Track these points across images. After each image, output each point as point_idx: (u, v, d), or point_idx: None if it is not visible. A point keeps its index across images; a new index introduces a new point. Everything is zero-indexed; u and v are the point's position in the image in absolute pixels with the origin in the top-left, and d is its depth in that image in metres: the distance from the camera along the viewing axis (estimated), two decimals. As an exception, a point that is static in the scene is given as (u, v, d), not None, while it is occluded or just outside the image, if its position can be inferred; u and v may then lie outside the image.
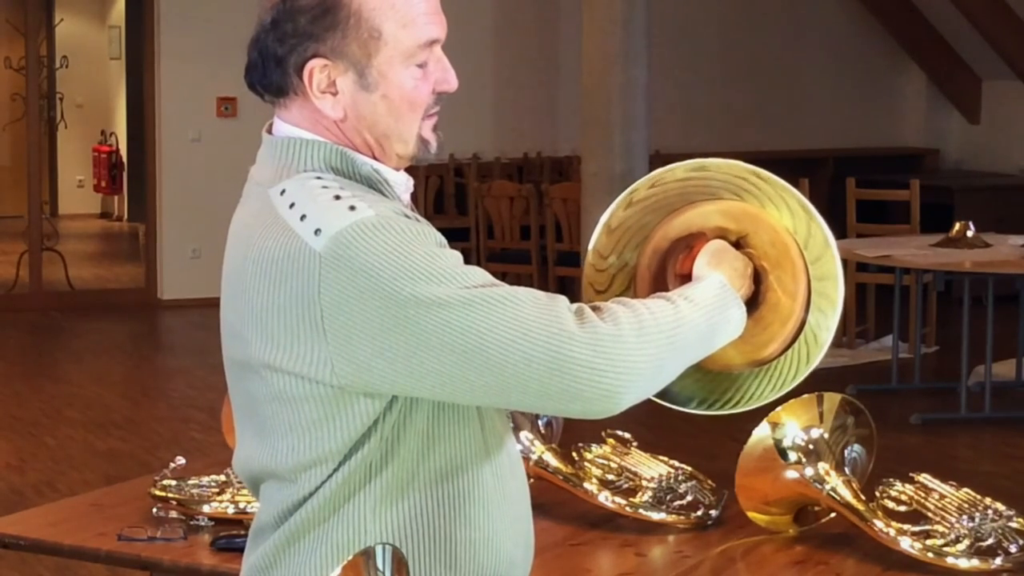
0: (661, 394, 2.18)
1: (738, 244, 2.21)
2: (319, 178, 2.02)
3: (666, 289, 2.19)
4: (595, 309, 1.99)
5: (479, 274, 1.98)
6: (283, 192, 2.02)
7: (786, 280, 2.20)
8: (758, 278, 2.21)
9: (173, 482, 3.18)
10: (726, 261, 2.17)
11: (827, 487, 3.02)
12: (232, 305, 2.07)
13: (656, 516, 3.13)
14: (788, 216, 2.21)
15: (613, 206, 2.29)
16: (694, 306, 2.06)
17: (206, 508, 3.11)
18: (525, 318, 1.93)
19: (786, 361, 2.23)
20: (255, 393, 2.05)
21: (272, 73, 2.06)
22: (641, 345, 1.96)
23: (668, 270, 2.24)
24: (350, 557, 1.79)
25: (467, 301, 1.93)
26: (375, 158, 2.08)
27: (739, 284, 2.16)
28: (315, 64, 2.03)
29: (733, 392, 2.27)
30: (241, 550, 2.22)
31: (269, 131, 2.11)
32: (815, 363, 2.23)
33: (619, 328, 1.96)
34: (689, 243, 2.22)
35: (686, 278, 2.19)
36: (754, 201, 2.23)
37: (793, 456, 3.06)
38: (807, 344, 2.22)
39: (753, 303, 2.20)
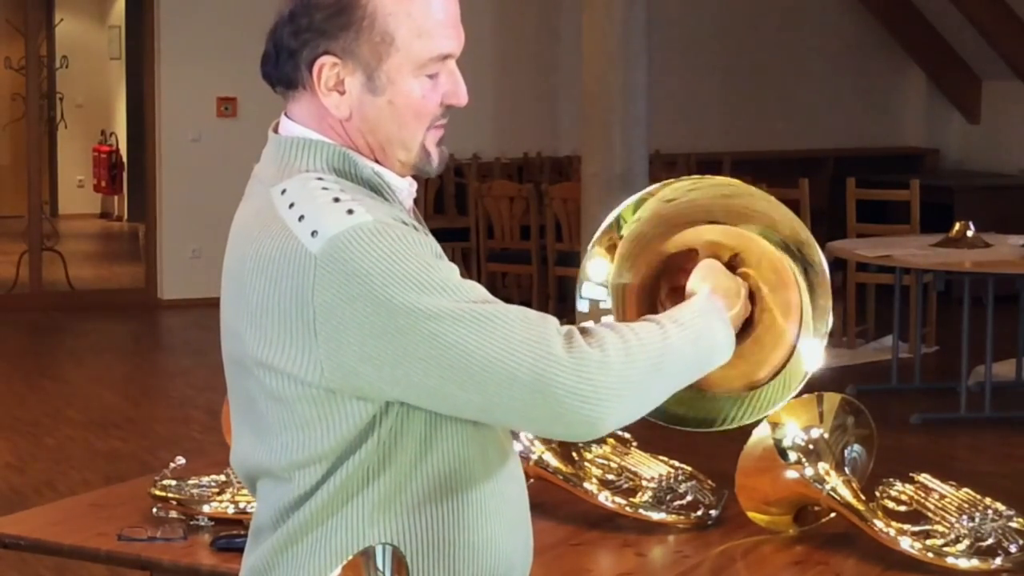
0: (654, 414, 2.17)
1: (733, 263, 2.21)
2: (320, 179, 2.02)
3: (656, 304, 2.19)
4: (584, 332, 1.98)
5: (473, 289, 1.97)
6: (284, 191, 2.02)
7: (781, 300, 2.21)
8: (754, 298, 2.21)
9: (173, 482, 3.18)
10: (714, 280, 2.16)
11: (827, 487, 3.02)
12: (230, 302, 2.07)
13: (656, 516, 3.12)
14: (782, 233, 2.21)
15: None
16: (682, 329, 2.04)
17: (206, 508, 3.11)
18: (513, 338, 1.92)
19: (773, 385, 2.24)
20: (251, 391, 2.05)
21: (284, 65, 2.07)
22: (627, 372, 1.95)
23: (661, 287, 2.24)
24: (350, 557, 1.78)
25: (457, 315, 1.92)
26: (377, 162, 2.08)
27: (731, 303, 2.15)
28: (325, 61, 2.03)
29: (717, 413, 2.27)
30: (241, 550, 2.22)
31: (275, 130, 2.12)
32: (795, 391, 2.23)
33: (606, 355, 1.94)
34: (682, 261, 2.21)
35: (678, 293, 2.18)
36: (748, 223, 2.22)
37: (793, 456, 3.06)
38: (792, 371, 2.22)
39: (749, 324, 2.20)
